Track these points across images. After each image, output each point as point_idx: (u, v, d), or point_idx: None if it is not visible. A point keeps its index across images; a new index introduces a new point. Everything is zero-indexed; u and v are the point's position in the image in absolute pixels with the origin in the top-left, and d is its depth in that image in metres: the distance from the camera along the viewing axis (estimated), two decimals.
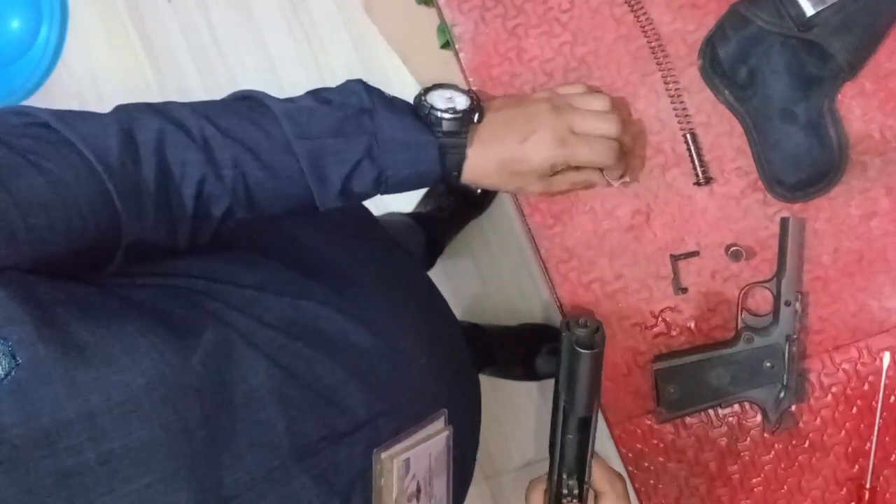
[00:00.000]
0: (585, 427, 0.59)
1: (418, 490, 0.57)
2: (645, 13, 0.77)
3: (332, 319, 0.60)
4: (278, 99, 0.62)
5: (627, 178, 0.74)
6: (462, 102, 0.65)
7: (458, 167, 0.65)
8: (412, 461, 0.59)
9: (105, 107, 0.55)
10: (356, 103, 0.63)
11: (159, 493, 0.42)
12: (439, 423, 0.62)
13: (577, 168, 0.70)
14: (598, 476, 0.64)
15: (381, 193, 0.65)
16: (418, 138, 0.63)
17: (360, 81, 0.65)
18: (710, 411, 0.78)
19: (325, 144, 0.60)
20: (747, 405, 0.78)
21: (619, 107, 0.76)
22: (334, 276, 0.65)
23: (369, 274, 0.70)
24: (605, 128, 0.67)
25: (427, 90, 0.66)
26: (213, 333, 0.50)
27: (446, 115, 0.63)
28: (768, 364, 0.75)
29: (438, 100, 0.64)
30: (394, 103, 0.65)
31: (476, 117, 0.65)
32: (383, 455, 0.57)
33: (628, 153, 0.73)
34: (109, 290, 0.49)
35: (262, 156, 0.58)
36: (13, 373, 0.39)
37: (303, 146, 0.59)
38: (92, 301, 0.46)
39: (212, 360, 0.49)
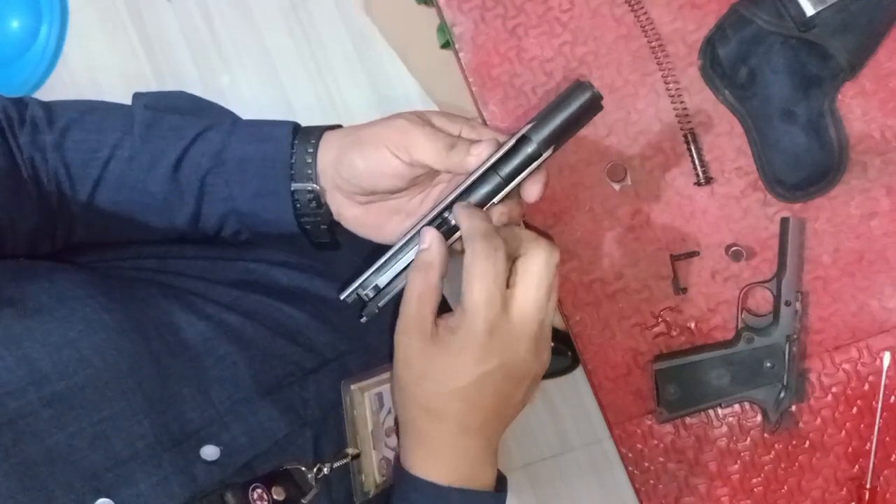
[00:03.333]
0: (519, 170, 0.52)
1: (397, 426, 0.57)
2: (645, 13, 0.77)
3: (288, 276, 0.61)
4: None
5: (629, 182, 0.74)
6: None
7: (317, 138, 0.55)
8: (385, 397, 0.60)
9: None
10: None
11: (115, 426, 0.43)
12: None
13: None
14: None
15: (222, 189, 0.55)
16: (270, 125, 0.56)
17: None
18: (710, 411, 0.78)
19: (165, 116, 0.54)
20: (747, 405, 0.78)
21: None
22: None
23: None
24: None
25: None
26: (158, 288, 0.52)
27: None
28: (768, 364, 0.75)
29: None
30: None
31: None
32: (352, 387, 0.58)
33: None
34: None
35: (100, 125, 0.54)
36: None
37: (143, 115, 0.54)
38: (20, 264, 0.48)
39: (154, 306, 0.50)
